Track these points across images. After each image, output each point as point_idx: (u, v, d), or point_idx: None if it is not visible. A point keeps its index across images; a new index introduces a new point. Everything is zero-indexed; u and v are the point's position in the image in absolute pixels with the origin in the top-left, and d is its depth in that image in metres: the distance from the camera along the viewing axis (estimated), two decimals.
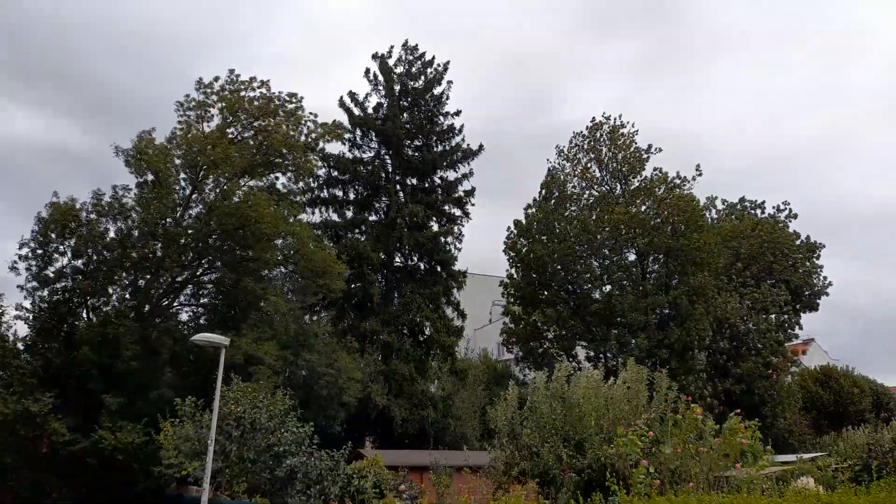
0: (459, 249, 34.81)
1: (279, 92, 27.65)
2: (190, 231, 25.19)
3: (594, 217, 32.55)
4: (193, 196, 25.67)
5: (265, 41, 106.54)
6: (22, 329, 24.65)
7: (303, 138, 28.15)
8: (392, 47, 35.95)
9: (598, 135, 34.19)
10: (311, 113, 28.38)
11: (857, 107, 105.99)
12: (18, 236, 24.56)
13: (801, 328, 34.68)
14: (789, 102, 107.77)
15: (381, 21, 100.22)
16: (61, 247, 24.53)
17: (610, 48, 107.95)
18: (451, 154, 35.22)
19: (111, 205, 24.83)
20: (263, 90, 27.33)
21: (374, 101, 35.56)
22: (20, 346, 24.18)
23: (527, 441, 15.05)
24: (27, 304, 24.32)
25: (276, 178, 28.39)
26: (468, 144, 35.29)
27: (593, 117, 34.72)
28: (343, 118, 34.49)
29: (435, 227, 34.89)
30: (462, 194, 35.21)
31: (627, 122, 34.08)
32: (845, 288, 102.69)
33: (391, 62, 35.67)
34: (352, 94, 35.32)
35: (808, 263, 36.22)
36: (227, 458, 17.57)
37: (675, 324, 29.84)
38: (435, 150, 35.48)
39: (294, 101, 27.66)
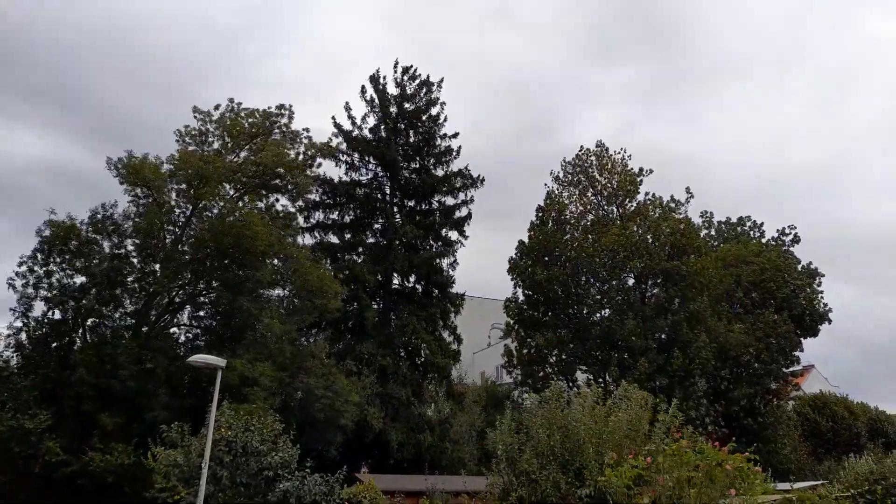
0: (455, 273, 34.79)
1: (269, 107, 28.08)
2: (186, 250, 25.22)
3: (591, 240, 32.58)
4: (191, 216, 25.77)
5: (271, 65, 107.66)
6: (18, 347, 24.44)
7: (300, 157, 28.43)
8: (389, 68, 36.37)
9: (591, 160, 34.49)
10: (304, 129, 28.75)
11: (858, 133, 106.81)
12: (20, 253, 24.48)
13: (801, 351, 34.40)
14: (791, 128, 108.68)
15: (385, 47, 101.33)
16: (60, 265, 24.51)
17: (613, 73, 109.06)
18: (451, 180, 35.32)
19: (105, 222, 24.91)
20: (259, 109, 27.77)
21: (370, 122, 35.81)
22: (15, 363, 24.01)
23: (525, 467, 14.84)
24: (19, 323, 24.24)
25: (277, 200, 28.61)
26: (468, 169, 35.45)
27: (581, 145, 35.31)
28: (338, 138, 34.71)
29: (433, 250, 34.88)
30: (460, 218, 35.23)
31: (621, 149, 34.52)
32: (845, 314, 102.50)
33: (387, 83, 35.98)
34: (347, 109, 35.38)
35: (808, 290, 36.06)
36: (219, 482, 17.34)
37: (677, 348, 29.67)
38: (434, 172, 35.60)
39: (285, 112, 28.02)
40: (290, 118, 28.38)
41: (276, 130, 28.01)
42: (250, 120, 27.70)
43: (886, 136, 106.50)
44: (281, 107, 28.30)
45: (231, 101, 27.78)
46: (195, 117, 27.25)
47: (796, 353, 33.79)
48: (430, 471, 28.88)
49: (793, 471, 29.78)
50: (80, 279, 24.73)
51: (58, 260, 24.41)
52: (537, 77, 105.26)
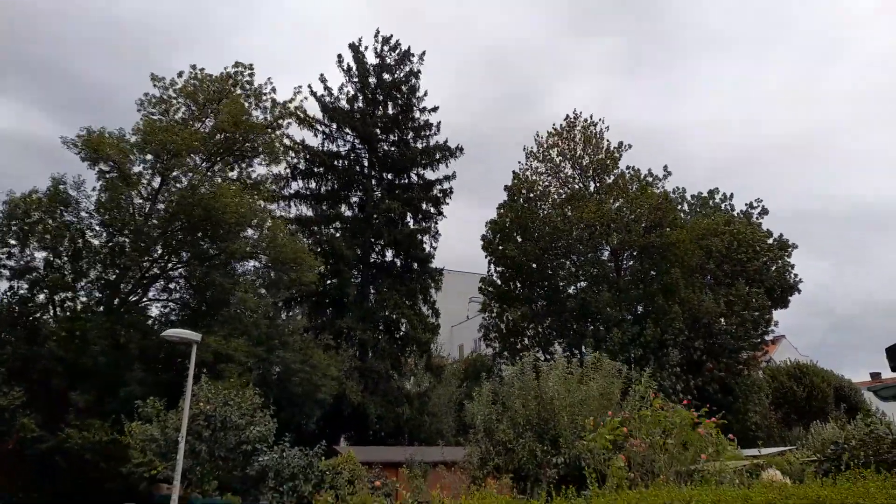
0: (435, 248, 34.73)
1: (226, 68, 27.54)
2: (156, 223, 24.79)
3: (568, 214, 32.69)
4: (160, 187, 25.28)
5: (248, 35, 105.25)
6: None
7: (267, 115, 27.96)
8: (368, 37, 35.73)
9: (570, 133, 34.46)
10: (267, 81, 28.30)
11: (834, 107, 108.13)
12: None
13: (776, 325, 35.16)
14: (767, 101, 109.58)
15: (365, 18, 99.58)
16: (22, 240, 23.96)
17: (594, 44, 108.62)
18: (431, 153, 34.99)
19: (67, 196, 24.39)
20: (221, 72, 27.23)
21: (348, 91, 35.08)
22: None
23: (501, 437, 15.05)
24: None
25: (248, 166, 28.15)
26: (447, 142, 35.11)
27: (567, 115, 35.06)
28: (314, 106, 34.14)
29: (412, 224, 34.73)
30: (439, 193, 35.05)
31: (599, 120, 34.51)
32: (815, 285, 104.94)
33: (366, 53, 35.30)
34: (323, 81, 34.61)
35: (779, 262, 36.76)
36: (198, 456, 17.34)
37: (651, 320, 30.14)
38: (413, 145, 35.25)
39: (244, 69, 27.55)
40: (251, 76, 27.84)
41: (238, 90, 27.45)
42: (213, 86, 27.10)
43: (860, 111, 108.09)
44: (239, 64, 27.65)
45: (193, 67, 27.08)
46: (154, 85, 26.60)
47: (770, 328, 34.49)
48: (409, 443, 29.15)
49: (762, 437, 30.62)
50: (43, 254, 24.26)
51: (20, 235, 23.83)
52: (517, 48, 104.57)
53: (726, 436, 11.24)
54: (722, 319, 31.88)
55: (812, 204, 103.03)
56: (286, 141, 31.01)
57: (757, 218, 38.37)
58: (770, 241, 37.07)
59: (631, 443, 10.16)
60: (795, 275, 36.56)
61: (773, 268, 36.08)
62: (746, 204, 39.40)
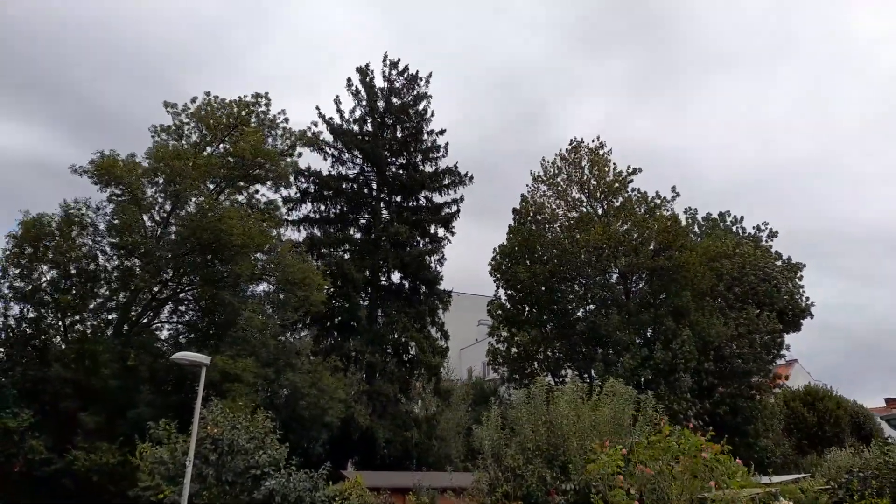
0: (441, 270, 34.71)
1: (245, 96, 28.03)
2: (166, 246, 25.00)
3: (576, 237, 32.69)
4: (171, 212, 25.56)
5: (257, 58, 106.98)
6: None
7: (278, 143, 28.38)
8: (375, 60, 36.25)
9: (575, 158, 34.63)
10: (280, 112, 28.65)
11: (846, 129, 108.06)
12: None
13: (787, 349, 34.79)
14: (779, 123, 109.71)
15: (373, 41, 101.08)
16: (33, 264, 24.19)
17: (602, 65, 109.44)
18: (440, 177, 35.20)
19: (79, 218, 24.69)
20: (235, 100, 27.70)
21: (357, 115, 35.47)
22: None
23: (510, 463, 14.92)
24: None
25: (257, 191, 28.53)
26: (456, 165, 35.30)
27: (572, 139, 35.30)
28: (322, 127, 34.51)
29: (420, 247, 34.79)
30: (446, 215, 35.14)
31: (603, 144, 34.67)
32: (828, 308, 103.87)
33: (374, 77, 35.77)
34: (337, 103, 35.13)
35: (790, 284, 36.52)
36: (205, 480, 17.23)
37: (661, 344, 29.91)
38: (422, 168, 35.48)
39: (262, 100, 28.04)
40: (268, 106, 28.40)
41: (254, 119, 27.96)
42: (227, 111, 27.59)
43: (870, 132, 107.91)
44: (257, 95, 28.29)
45: (207, 94, 27.67)
46: (167, 112, 27.16)
47: (782, 352, 34.16)
48: (417, 468, 28.88)
49: (775, 465, 30.13)
50: (53, 275, 24.45)
51: (32, 258, 24.07)
52: (525, 69, 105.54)
53: (736, 461, 11.10)
54: (733, 343, 31.59)
55: (825, 224, 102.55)
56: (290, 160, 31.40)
57: (766, 241, 38.25)
58: (779, 263, 36.90)
59: (640, 469, 10.06)
60: (807, 298, 36.31)
61: (783, 290, 35.84)
62: (754, 227, 39.37)
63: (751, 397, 31.98)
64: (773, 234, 38.53)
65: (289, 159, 29.16)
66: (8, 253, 23.87)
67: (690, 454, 9.70)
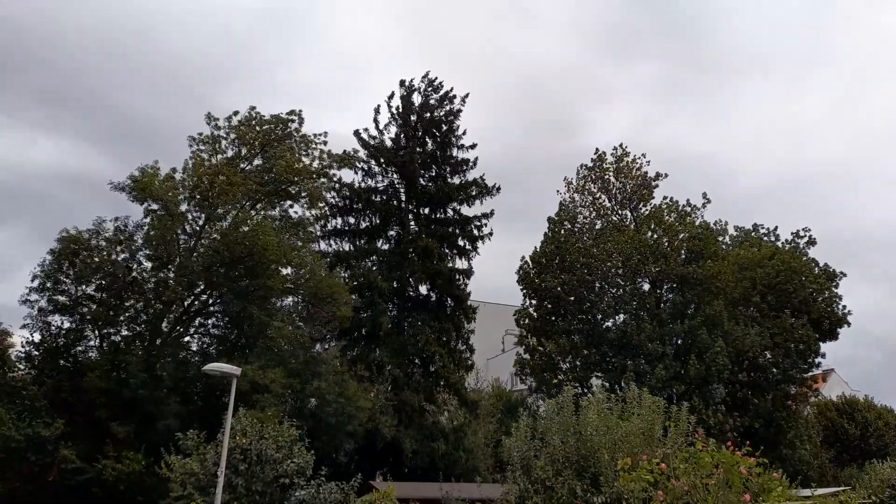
0: (468, 283, 34.50)
1: (281, 113, 28.27)
2: (199, 259, 25.34)
3: (606, 245, 32.36)
4: (205, 226, 25.92)
5: (288, 71, 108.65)
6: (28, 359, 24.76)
7: (315, 163, 28.58)
8: (412, 79, 36.45)
9: (604, 165, 34.42)
10: (321, 134, 28.87)
11: (879, 131, 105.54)
12: (38, 261, 24.78)
13: (823, 357, 33.78)
14: (813, 125, 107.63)
15: (402, 49, 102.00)
16: (71, 275, 24.68)
17: (632, 71, 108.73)
18: (467, 188, 35.14)
19: (116, 233, 25.15)
20: (271, 116, 28.00)
21: (391, 131, 35.80)
22: (24, 370, 24.23)
23: (540, 474, 14.68)
24: (37, 336, 24.45)
25: (290, 206, 28.75)
26: (483, 177, 35.12)
27: (596, 148, 35.18)
28: (353, 141, 34.76)
29: (447, 260, 34.69)
30: (474, 229, 34.94)
31: (632, 152, 34.50)
32: (866, 315, 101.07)
33: (409, 93, 36.04)
34: (376, 113, 35.54)
35: (826, 293, 35.53)
36: (235, 490, 17.30)
37: (694, 355, 29.30)
38: (450, 181, 35.49)
39: (296, 117, 28.28)
40: (301, 123, 28.65)
41: (288, 136, 28.24)
42: (264, 127, 27.91)
43: None
44: (292, 112, 28.58)
45: (252, 108, 28.20)
46: (208, 123, 27.52)
47: (817, 360, 33.23)
48: (444, 479, 28.64)
49: (814, 477, 29.27)
50: (90, 289, 24.89)
51: (70, 272, 24.56)
52: (555, 75, 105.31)
53: (774, 475, 10.74)
54: (767, 353, 30.85)
55: (862, 230, 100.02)
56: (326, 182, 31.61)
57: (804, 247, 37.23)
58: (816, 270, 35.95)
59: (673, 483, 9.78)
60: (844, 306, 35.29)
61: (821, 298, 34.87)
62: (793, 233, 38.30)
63: (786, 408, 31.17)
64: (811, 242, 37.39)
65: (323, 180, 29.35)
66: (48, 268, 24.41)
67: (725, 467, 9.40)
